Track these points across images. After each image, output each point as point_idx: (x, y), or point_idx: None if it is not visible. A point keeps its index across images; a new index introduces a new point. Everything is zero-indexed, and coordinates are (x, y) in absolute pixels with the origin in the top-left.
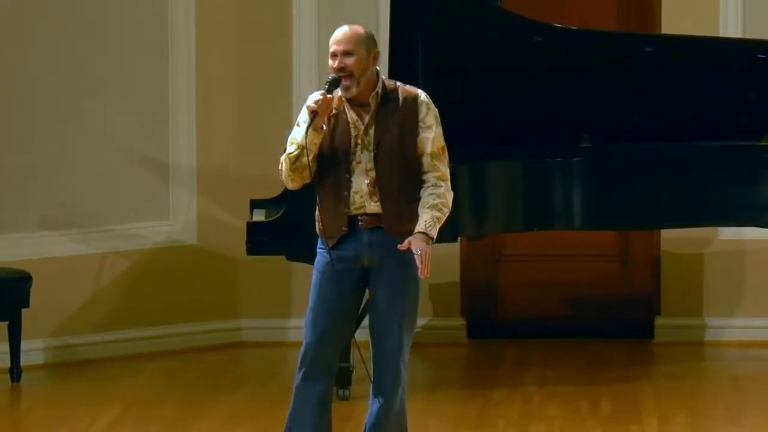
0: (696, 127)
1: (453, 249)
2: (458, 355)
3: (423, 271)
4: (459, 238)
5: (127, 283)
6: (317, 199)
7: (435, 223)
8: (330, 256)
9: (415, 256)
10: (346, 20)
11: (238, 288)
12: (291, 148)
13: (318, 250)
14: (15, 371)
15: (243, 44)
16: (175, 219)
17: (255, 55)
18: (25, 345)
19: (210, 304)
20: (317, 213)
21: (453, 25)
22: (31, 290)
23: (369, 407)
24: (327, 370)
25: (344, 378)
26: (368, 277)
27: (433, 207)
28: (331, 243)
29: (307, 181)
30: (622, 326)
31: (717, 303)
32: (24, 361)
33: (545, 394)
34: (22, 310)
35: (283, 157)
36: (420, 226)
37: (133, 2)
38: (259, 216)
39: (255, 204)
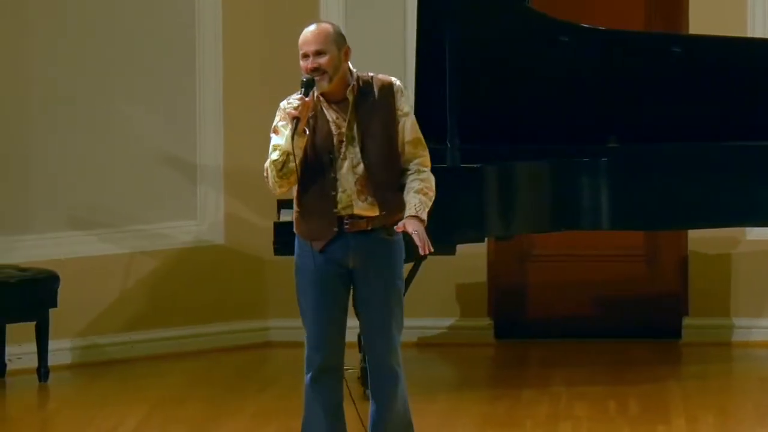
0: (724, 127)
1: (480, 249)
2: (485, 355)
3: (424, 249)
4: (486, 239)
5: (154, 283)
6: (298, 201)
7: (423, 207)
8: (315, 261)
9: (413, 236)
10: (373, 20)
11: (265, 288)
12: (275, 155)
13: (298, 253)
14: (42, 371)
15: (270, 44)
16: (203, 219)
17: (282, 54)
18: (52, 345)
19: (237, 304)
20: (296, 215)
21: (480, 23)
22: (59, 290)
23: (369, 412)
24: (336, 374)
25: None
26: (353, 280)
27: (419, 191)
28: (320, 245)
29: (294, 185)
30: (649, 326)
31: (745, 303)
32: (51, 361)
33: (573, 394)
34: (50, 310)
35: (267, 164)
36: (410, 210)
37: (160, 3)
38: (287, 216)
39: (282, 204)
